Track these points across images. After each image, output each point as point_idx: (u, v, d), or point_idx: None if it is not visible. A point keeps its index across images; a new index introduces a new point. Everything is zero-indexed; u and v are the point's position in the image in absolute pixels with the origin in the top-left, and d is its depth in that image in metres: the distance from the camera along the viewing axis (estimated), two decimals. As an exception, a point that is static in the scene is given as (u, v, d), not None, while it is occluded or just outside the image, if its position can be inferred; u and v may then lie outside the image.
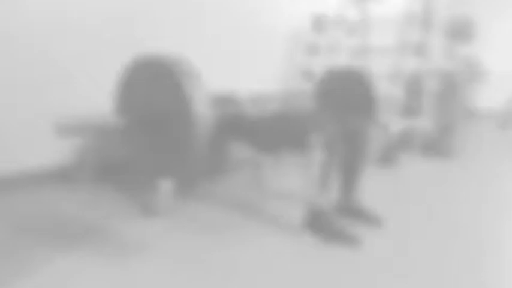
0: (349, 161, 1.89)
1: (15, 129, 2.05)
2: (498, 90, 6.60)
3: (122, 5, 2.42)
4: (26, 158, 2.13)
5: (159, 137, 1.36)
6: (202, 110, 1.25)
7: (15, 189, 2.07)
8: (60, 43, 2.17)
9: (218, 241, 1.66)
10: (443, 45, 4.49)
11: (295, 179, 1.66)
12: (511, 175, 3.16)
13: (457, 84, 4.03)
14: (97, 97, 1.79)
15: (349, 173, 1.89)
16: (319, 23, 3.64)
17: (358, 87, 2.22)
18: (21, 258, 1.44)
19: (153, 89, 1.34)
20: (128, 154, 1.47)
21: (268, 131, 1.78)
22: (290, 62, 3.86)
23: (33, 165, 2.17)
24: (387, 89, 3.21)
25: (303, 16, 3.70)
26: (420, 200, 2.43)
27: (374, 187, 2.59)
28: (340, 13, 3.66)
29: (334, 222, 1.68)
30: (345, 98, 2.24)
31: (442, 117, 4.46)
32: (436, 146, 3.54)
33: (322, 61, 3.60)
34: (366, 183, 2.54)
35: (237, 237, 1.71)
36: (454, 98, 5.24)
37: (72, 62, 2.23)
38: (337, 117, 1.88)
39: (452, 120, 3.86)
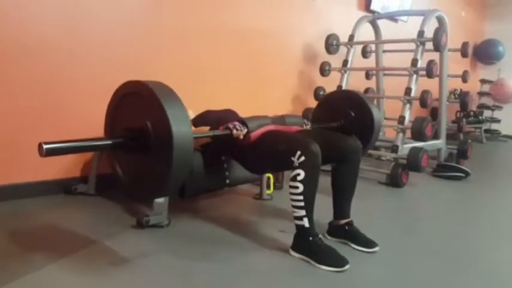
0: (341, 181, 1.86)
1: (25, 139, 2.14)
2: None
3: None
4: (32, 169, 2.21)
5: (140, 159, 1.42)
6: (183, 132, 1.30)
7: (17, 199, 2.15)
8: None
9: (206, 256, 1.66)
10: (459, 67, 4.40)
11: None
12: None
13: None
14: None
15: (341, 193, 1.86)
16: (333, 44, 3.65)
17: (355, 108, 2.20)
18: (8, 265, 1.47)
19: (137, 113, 1.41)
20: (116, 174, 1.53)
21: (254, 156, 1.79)
22: (307, 82, 3.86)
23: (38, 177, 2.25)
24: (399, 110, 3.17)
25: (319, 37, 3.72)
26: (424, 222, 2.36)
27: (378, 207, 2.54)
28: (354, 33, 3.66)
29: (322, 243, 1.65)
30: (340, 115, 2.22)
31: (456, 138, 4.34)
32: (449, 168, 3.43)
33: (335, 81, 3.59)
34: (371, 203, 2.50)
35: (224, 253, 1.70)
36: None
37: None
38: (327, 135, 1.86)
39: (466, 141, 3.73)
